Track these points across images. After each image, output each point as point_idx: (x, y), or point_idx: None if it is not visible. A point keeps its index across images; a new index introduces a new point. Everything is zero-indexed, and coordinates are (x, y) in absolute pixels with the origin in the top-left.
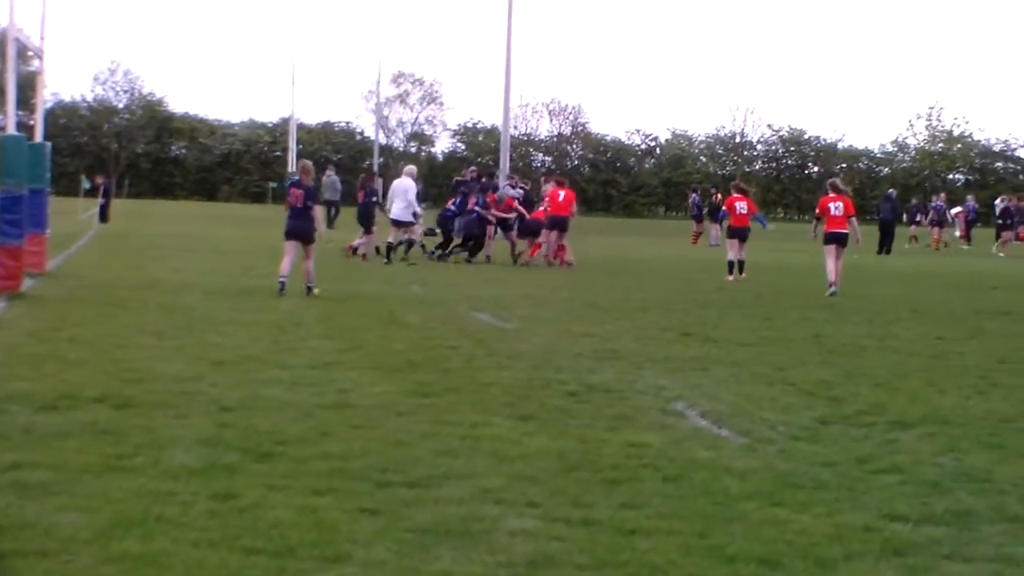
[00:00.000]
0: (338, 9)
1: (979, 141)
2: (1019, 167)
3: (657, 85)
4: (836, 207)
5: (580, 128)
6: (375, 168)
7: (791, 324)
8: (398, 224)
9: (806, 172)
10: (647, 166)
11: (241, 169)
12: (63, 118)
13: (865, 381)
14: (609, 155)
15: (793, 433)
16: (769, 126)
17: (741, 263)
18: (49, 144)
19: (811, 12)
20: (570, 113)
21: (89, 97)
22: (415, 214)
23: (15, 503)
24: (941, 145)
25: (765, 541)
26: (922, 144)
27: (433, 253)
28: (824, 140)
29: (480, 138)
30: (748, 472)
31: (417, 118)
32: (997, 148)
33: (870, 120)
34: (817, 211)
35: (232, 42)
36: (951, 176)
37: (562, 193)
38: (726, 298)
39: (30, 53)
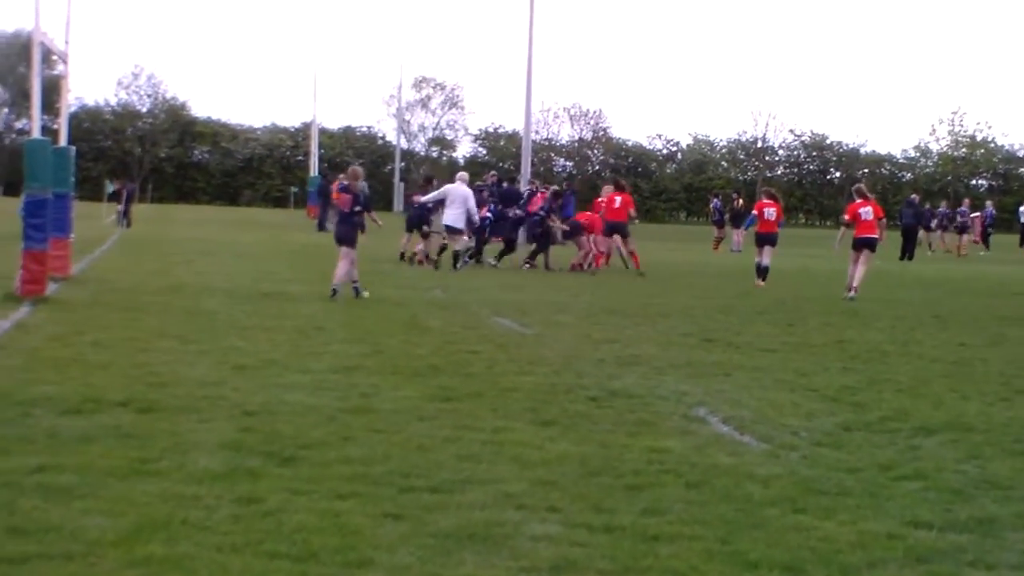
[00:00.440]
0: (360, 14)
1: (1002, 146)
2: None
3: (679, 90)
4: (866, 212)
5: (601, 133)
6: (426, 176)
7: (813, 330)
8: (451, 231)
9: (828, 177)
10: (668, 171)
11: (263, 174)
12: (87, 122)
13: (888, 387)
14: (630, 160)
15: (816, 439)
16: (791, 131)
17: (765, 270)
18: (73, 148)
19: (834, 17)
20: (591, 118)
21: (113, 101)
22: (471, 222)
23: (40, 506)
24: (964, 150)
25: (788, 548)
26: (945, 149)
27: (469, 259)
28: (846, 145)
29: (501, 143)
30: (771, 478)
31: (438, 123)
32: (1021, 153)
33: (892, 125)
34: (847, 218)
35: (255, 47)
36: (974, 181)
37: (618, 198)
38: (748, 304)
39: (55, 57)
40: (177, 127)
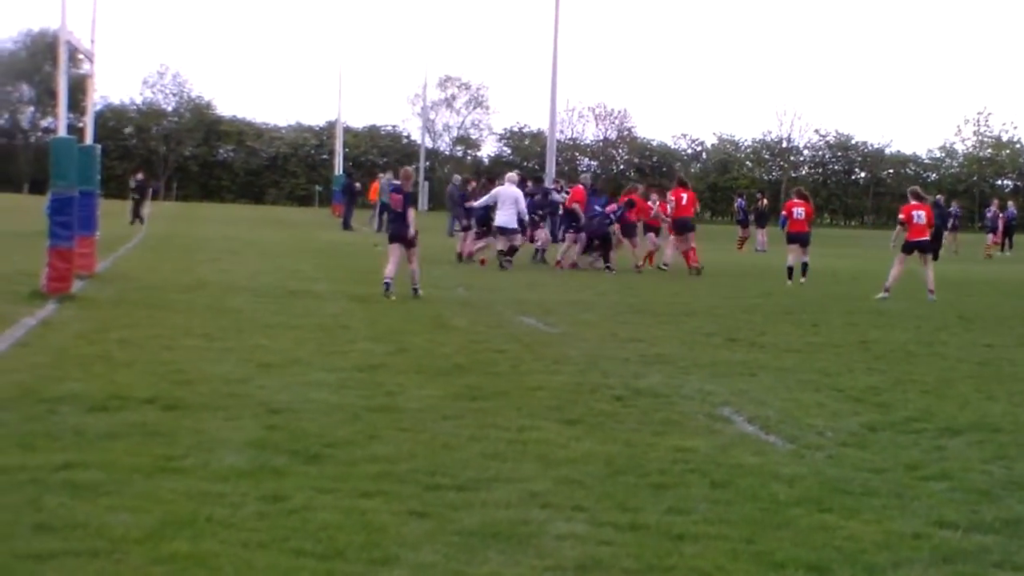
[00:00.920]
0: (385, 13)
1: None
2: None
3: (704, 90)
4: (918, 215)
5: (626, 132)
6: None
7: (838, 330)
8: (503, 231)
9: (853, 178)
10: (693, 171)
11: (288, 172)
12: (112, 121)
13: (913, 388)
14: (655, 159)
15: (841, 439)
16: (816, 131)
17: (804, 266)
18: (99, 147)
19: (859, 17)
20: (616, 117)
21: (138, 100)
22: (522, 222)
23: (66, 503)
24: (989, 151)
25: (813, 547)
26: (970, 150)
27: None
28: (871, 145)
29: (526, 142)
30: (796, 478)
31: (463, 122)
32: None
33: (918, 125)
34: (902, 218)
35: (280, 46)
36: (999, 182)
37: (684, 195)
38: (773, 303)
39: (80, 56)
40: (202, 126)
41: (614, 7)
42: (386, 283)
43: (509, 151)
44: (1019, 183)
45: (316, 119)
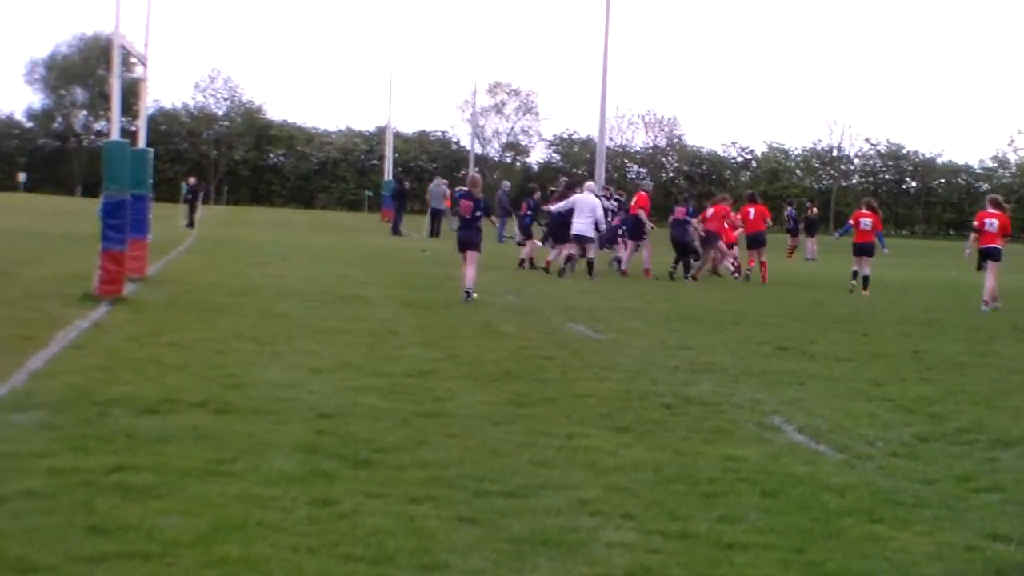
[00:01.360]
0: (436, 19)
1: None
2: None
3: (754, 98)
4: (990, 223)
5: (676, 140)
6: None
7: (889, 340)
8: (579, 239)
9: (903, 187)
10: (743, 179)
11: (338, 177)
12: (164, 125)
13: (965, 398)
14: (705, 167)
15: (892, 450)
16: (867, 140)
17: (866, 278)
18: (151, 150)
19: (912, 26)
20: (666, 125)
21: (190, 104)
22: (599, 230)
23: (118, 505)
24: None
25: (864, 558)
26: (1023, 160)
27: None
28: (922, 155)
29: (575, 149)
30: (846, 488)
31: (513, 128)
32: None
33: (970, 135)
34: (976, 224)
35: (331, 51)
36: None
37: (752, 210)
38: (823, 312)
39: (134, 60)
40: (253, 130)
41: (665, 14)
42: (467, 291)
43: (558, 157)
44: None
45: (366, 124)
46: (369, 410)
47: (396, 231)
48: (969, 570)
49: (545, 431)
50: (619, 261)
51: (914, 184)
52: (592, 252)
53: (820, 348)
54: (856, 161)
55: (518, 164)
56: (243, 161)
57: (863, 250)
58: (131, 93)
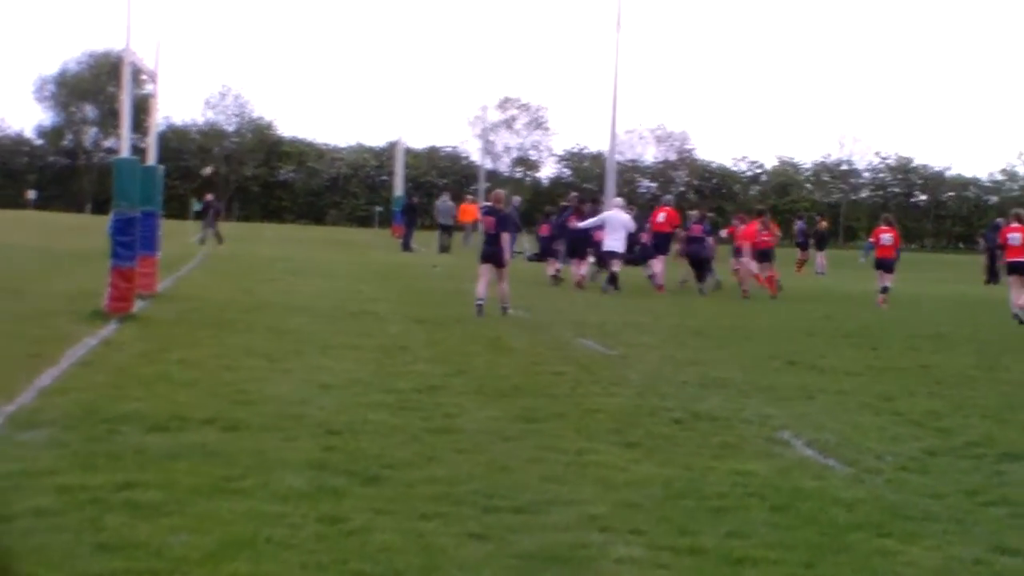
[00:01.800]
0: (446, 34)
1: None
2: None
3: (764, 112)
4: (1014, 237)
5: (686, 154)
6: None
7: (898, 354)
8: (613, 256)
9: (913, 200)
10: (752, 193)
11: (348, 193)
12: (174, 141)
13: (974, 412)
14: (715, 181)
15: (901, 464)
16: (876, 154)
17: (886, 289)
18: (162, 167)
19: (921, 40)
20: (676, 139)
21: (200, 120)
22: (632, 246)
23: (127, 522)
24: None
25: (874, 572)
26: None
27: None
28: (931, 168)
29: (586, 164)
30: (855, 502)
31: (523, 143)
32: None
33: (979, 149)
34: (1000, 240)
35: (341, 66)
36: None
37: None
38: (832, 327)
39: (144, 76)
40: (263, 146)
41: (675, 30)
42: (478, 304)
43: (569, 172)
44: None
45: (376, 140)
46: (379, 426)
47: (407, 247)
48: None
49: (554, 447)
50: (653, 277)
51: (923, 198)
52: (616, 266)
53: (829, 362)
54: (866, 175)
55: (528, 179)
56: (253, 177)
57: (885, 265)
58: (141, 110)
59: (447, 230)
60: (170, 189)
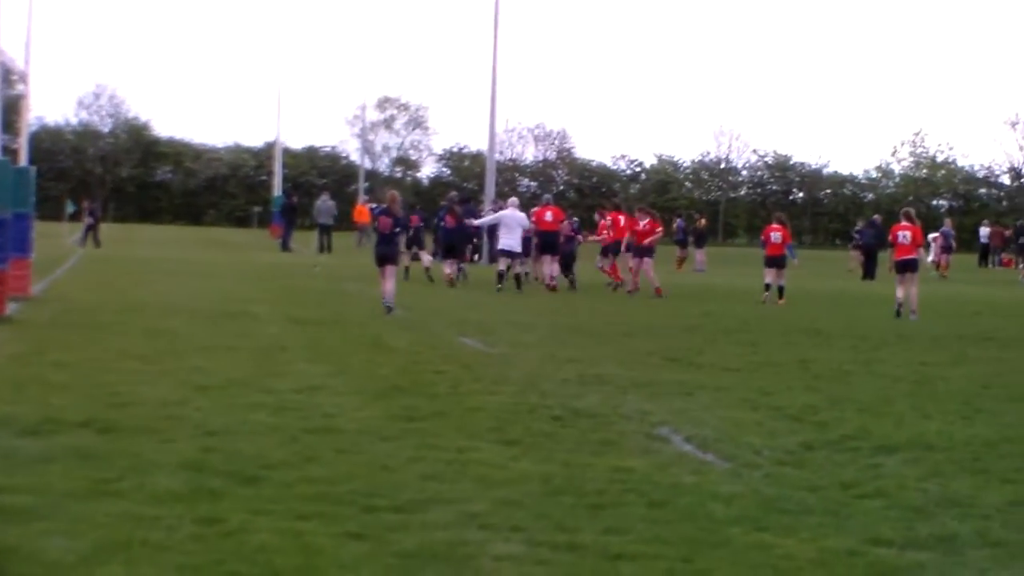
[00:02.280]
0: (324, 34)
1: (963, 167)
2: (1002, 193)
3: (642, 110)
4: (903, 236)
5: (565, 153)
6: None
7: (776, 349)
8: (508, 255)
9: (791, 198)
10: (632, 191)
11: (227, 193)
12: (47, 142)
13: (850, 406)
14: (595, 180)
15: (778, 458)
16: (754, 151)
17: (781, 288)
18: (34, 168)
19: (797, 37)
20: (555, 138)
21: (73, 121)
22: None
23: None
24: (925, 171)
25: (751, 566)
26: (906, 170)
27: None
28: (809, 166)
29: (466, 163)
30: (733, 497)
31: (403, 143)
32: (981, 174)
33: (855, 146)
34: (890, 238)
35: (217, 65)
36: (935, 202)
37: (622, 218)
38: (712, 323)
39: (14, 76)
40: (139, 147)
41: (553, 28)
42: (386, 304)
43: (448, 172)
44: (954, 203)
45: (254, 140)
46: (257, 427)
47: (285, 247)
48: (852, 574)
49: (435, 445)
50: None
51: (801, 195)
52: (518, 267)
53: (708, 359)
54: (744, 173)
55: (408, 179)
56: (129, 178)
57: (775, 262)
58: (12, 110)
59: (326, 230)
60: (43, 190)
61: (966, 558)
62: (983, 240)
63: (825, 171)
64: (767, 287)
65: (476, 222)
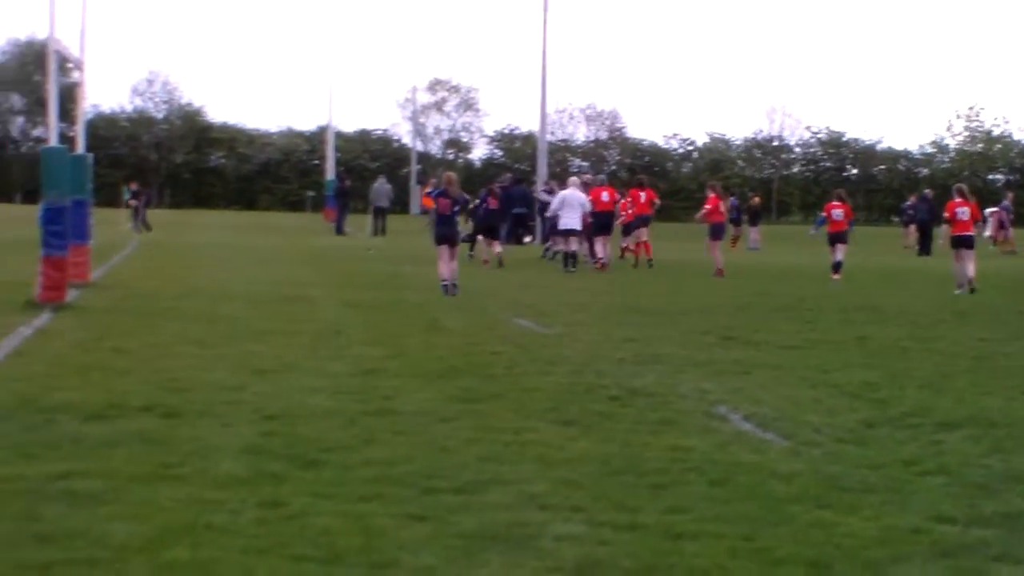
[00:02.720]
0: (375, 17)
1: (1019, 141)
2: None
3: (695, 89)
4: (963, 212)
5: (617, 133)
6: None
7: (833, 327)
8: (571, 233)
9: (844, 175)
10: (684, 170)
11: (280, 178)
12: (103, 129)
13: (910, 383)
14: (647, 159)
15: (838, 436)
16: (807, 128)
17: (839, 264)
18: (91, 155)
19: (850, 12)
20: (607, 118)
21: (128, 108)
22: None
23: (65, 512)
24: (981, 145)
25: (813, 544)
26: (961, 145)
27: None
28: (862, 142)
29: (517, 144)
30: (794, 475)
31: (454, 125)
32: None
33: (909, 121)
34: (946, 215)
35: (270, 51)
36: (991, 176)
37: (643, 194)
38: (767, 301)
39: (70, 65)
40: (193, 133)
41: (604, 7)
42: (444, 285)
43: (500, 153)
44: (1011, 177)
45: (307, 124)
46: (315, 410)
47: (340, 231)
48: (915, 552)
49: (492, 426)
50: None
51: (855, 171)
52: (575, 245)
53: (765, 336)
54: (797, 150)
55: (460, 161)
56: (184, 164)
57: (838, 238)
58: (68, 98)
59: (381, 212)
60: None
61: None
62: None
63: (879, 147)
64: (837, 265)
65: (552, 207)
